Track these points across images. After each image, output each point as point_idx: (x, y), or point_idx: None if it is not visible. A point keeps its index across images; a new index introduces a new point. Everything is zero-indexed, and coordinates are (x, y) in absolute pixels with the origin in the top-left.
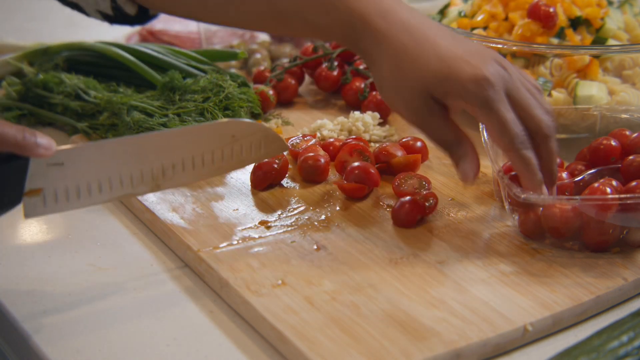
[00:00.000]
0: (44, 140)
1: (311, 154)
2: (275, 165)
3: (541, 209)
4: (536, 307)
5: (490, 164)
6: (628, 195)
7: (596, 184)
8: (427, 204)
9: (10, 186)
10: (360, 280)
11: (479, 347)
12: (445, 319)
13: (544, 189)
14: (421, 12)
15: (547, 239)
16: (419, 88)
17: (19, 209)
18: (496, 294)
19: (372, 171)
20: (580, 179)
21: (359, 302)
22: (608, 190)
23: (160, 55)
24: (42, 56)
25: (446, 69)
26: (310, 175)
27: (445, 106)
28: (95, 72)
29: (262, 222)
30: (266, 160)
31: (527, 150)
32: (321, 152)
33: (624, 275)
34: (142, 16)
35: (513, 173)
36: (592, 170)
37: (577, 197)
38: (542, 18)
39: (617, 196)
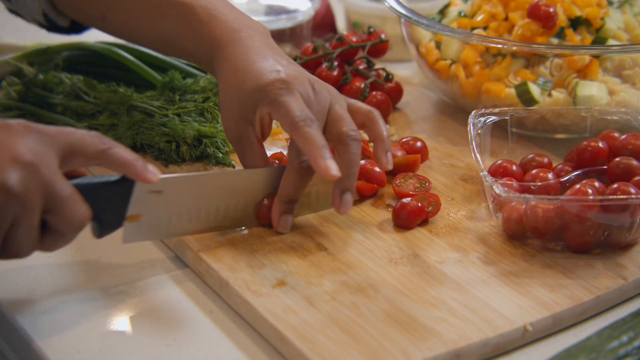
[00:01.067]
0: (151, 166)
1: None
2: None
3: (524, 208)
4: (536, 307)
5: (476, 164)
6: (609, 197)
7: (578, 185)
8: (429, 208)
9: (112, 209)
10: (360, 280)
11: (479, 347)
12: (445, 319)
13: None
14: (271, 41)
15: (529, 239)
16: (235, 107)
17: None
18: (496, 294)
19: (378, 170)
20: (566, 180)
21: (359, 302)
22: (589, 191)
23: (160, 55)
24: (42, 56)
25: (256, 80)
26: None
27: (255, 128)
28: (95, 72)
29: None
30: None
31: (311, 127)
32: None
33: (624, 275)
34: (76, 27)
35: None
36: (579, 172)
37: (558, 197)
38: (542, 18)
39: (598, 197)
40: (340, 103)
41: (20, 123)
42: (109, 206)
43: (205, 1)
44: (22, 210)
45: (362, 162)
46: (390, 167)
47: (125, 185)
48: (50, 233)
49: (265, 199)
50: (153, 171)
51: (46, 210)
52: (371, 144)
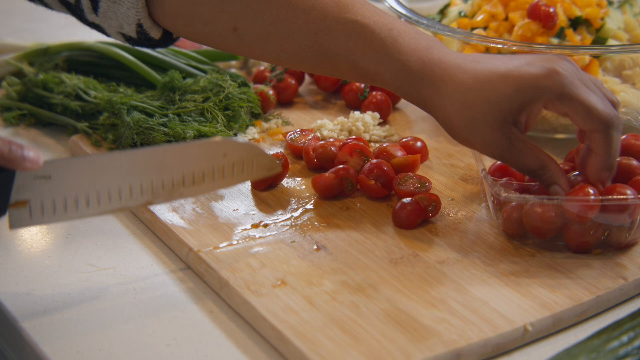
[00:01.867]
0: (30, 153)
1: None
2: None
3: (524, 208)
4: (536, 307)
5: (475, 163)
6: (609, 197)
7: (577, 185)
8: (429, 207)
9: None
10: (360, 280)
11: (479, 347)
12: (445, 319)
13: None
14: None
15: (529, 239)
16: (492, 119)
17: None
18: (496, 294)
19: (386, 168)
20: None
21: (359, 302)
22: (590, 191)
23: (160, 55)
24: (42, 56)
25: (514, 82)
26: (324, 161)
27: (522, 128)
28: (95, 72)
29: (262, 222)
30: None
31: (617, 131)
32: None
33: (624, 275)
34: (166, 39)
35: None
36: (579, 171)
37: (559, 197)
38: (542, 18)
39: (599, 197)
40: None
41: None
42: None
43: (380, 18)
44: None
45: (375, 161)
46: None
47: (4, 172)
48: None
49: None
50: (32, 158)
51: None
52: (374, 145)
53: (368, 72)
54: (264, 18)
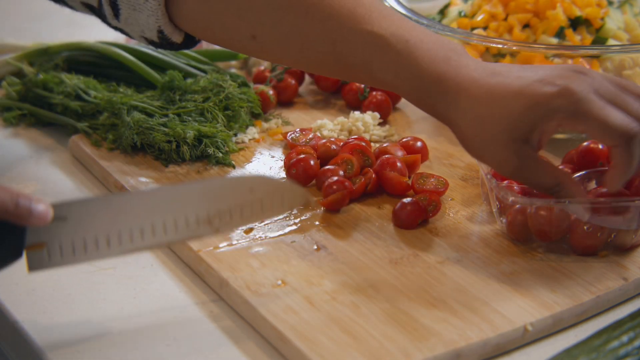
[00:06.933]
0: (39, 207)
1: (302, 155)
2: None
3: (529, 211)
4: (536, 307)
5: (478, 165)
6: (617, 199)
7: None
8: (429, 208)
9: (9, 240)
10: (360, 280)
11: (479, 347)
12: (445, 319)
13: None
14: (483, 62)
15: (534, 242)
16: (503, 137)
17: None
18: (496, 294)
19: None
20: None
21: (359, 302)
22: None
23: (160, 55)
24: (42, 56)
25: (525, 100)
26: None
27: (535, 146)
28: (95, 72)
29: (263, 222)
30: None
31: (635, 145)
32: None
33: (624, 275)
34: (189, 42)
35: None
36: (580, 173)
37: (565, 200)
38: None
39: (605, 199)
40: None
41: None
42: (3, 237)
43: (396, 28)
44: None
45: (335, 178)
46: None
47: (14, 227)
48: None
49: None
50: (40, 213)
51: None
52: (374, 145)
53: (386, 83)
54: (281, 27)
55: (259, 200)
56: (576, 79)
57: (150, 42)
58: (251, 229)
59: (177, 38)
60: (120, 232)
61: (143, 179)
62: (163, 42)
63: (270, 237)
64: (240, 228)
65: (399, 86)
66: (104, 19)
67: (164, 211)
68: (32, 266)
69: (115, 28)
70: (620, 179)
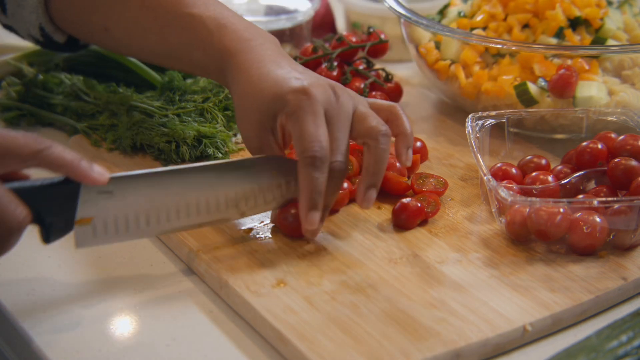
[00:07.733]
0: (98, 167)
1: None
2: None
3: (528, 211)
4: (536, 307)
5: (477, 165)
6: (616, 199)
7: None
8: (429, 208)
9: (58, 212)
10: (360, 280)
11: (478, 347)
12: (445, 319)
13: (315, 217)
14: (282, 50)
15: (533, 242)
16: (253, 117)
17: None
18: (496, 294)
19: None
20: (567, 182)
21: (358, 302)
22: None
23: None
24: (42, 56)
25: (275, 89)
26: None
27: (278, 137)
28: (95, 72)
29: (262, 222)
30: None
31: (316, 171)
32: None
33: (623, 275)
34: (73, 45)
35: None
36: (579, 173)
37: (565, 200)
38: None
39: (605, 199)
40: (363, 103)
41: None
42: (54, 209)
43: (214, 11)
44: None
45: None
46: (409, 164)
47: (70, 186)
48: None
49: (292, 209)
50: (99, 171)
51: None
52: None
53: (199, 65)
54: (125, 18)
55: (277, 185)
56: (321, 87)
57: (37, 42)
58: (251, 229)
59: (60, 38)
60: (159, 210)
61: None
62: (47, 42)
63: (270, 237)
64: (263, 212)
65: (208, 65)
66: None
67: (199, 190)
68: (80, 242)
69: (5, 26)
70: (302, 202)
